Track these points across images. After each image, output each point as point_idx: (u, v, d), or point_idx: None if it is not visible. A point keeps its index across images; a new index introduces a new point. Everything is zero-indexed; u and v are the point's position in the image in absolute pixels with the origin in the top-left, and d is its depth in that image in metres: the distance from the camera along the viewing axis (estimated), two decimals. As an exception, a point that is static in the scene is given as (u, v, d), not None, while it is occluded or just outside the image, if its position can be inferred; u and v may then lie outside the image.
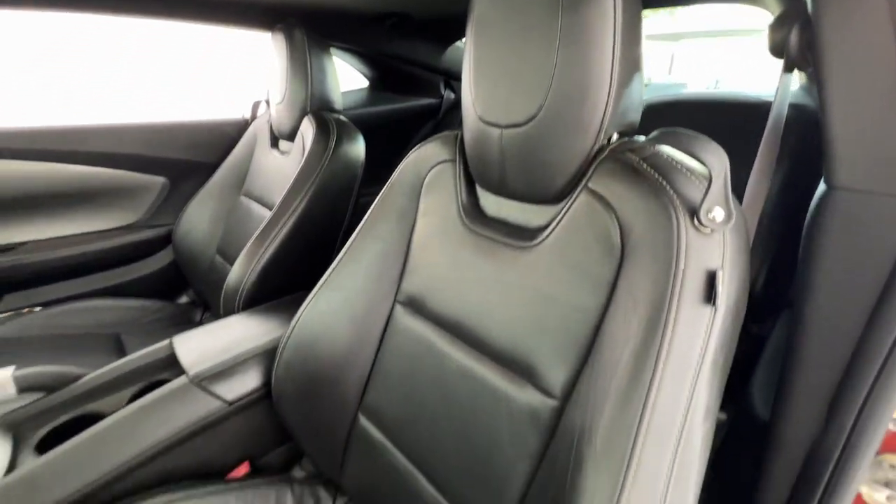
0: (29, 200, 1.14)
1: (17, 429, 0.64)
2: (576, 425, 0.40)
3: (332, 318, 0.66)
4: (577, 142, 0.44)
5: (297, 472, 0.73)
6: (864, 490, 0.47)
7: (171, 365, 0.72)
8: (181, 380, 0.67)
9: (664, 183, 0.39)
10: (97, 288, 1.22)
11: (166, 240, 1.32)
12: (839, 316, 0.44)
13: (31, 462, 0.58)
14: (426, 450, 0.55)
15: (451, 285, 0.57)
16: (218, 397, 0.67)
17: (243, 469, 0.71)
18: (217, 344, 0.74)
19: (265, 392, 0.71)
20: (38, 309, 1.13)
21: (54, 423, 0.66)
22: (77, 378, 0.71)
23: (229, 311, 0.91)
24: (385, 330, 0.64)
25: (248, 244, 0.93)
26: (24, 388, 0.67)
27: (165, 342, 0.76)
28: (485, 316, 0.52)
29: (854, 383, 0.42)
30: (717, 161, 0.37)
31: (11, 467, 0.59)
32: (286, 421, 0.69)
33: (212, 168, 1.28)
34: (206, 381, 0.68)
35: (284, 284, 0.91)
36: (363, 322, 0.64)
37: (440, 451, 0.54)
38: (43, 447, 0.62)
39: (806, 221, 0.47)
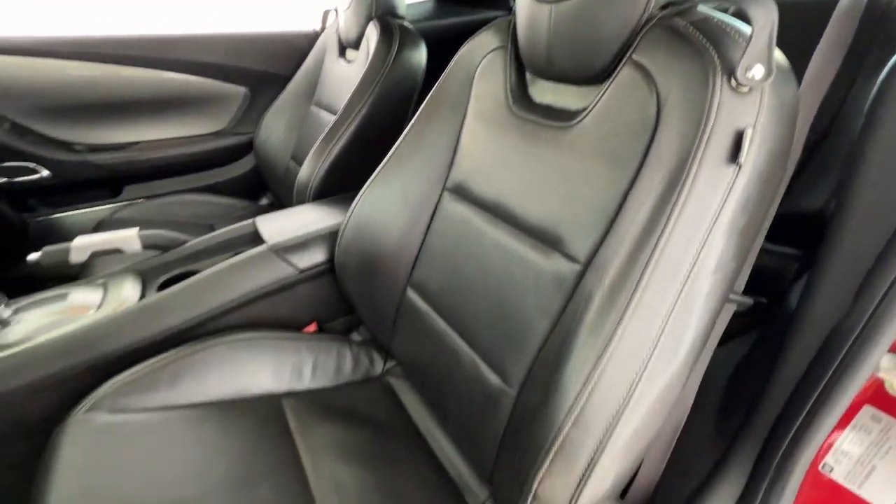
0: (137, 105, 1.31)
1: (145, 275, 0.81)
2: (593, 280, 0.45)
3: (386, 204, 0.74)
4: (625, 10, 0.44)
5: (355, 336, 0.86)
6: (886, 378, 0.48)
7: (254, 240, 0.84)
8: (262, 248, 0.80)
9: (707, 45, 0.39)
10: (195, 186, 1.41)
11: (248, 147, 1.46)
12: (882, 204, 0.43)
13: (153, 296, 0.74)
14: (463, 313, 0.63)
15: (495, 170, 0.61)
16: (291, 264, 0.79)
17: (312, 328, 0.85)
18: (291, 224, 0.86)
19: (330, 266, 0.82)
20: (140, 200, 1.34)
21: (168, 274, 0.82)
22: (184, 243, 0.87)
23: (301, 200, 1.03)
24: (433, 214, 0.70)
25: (316, 144, 1.02)
26: (147, 245, 0.83)
27: (249, 221, 0.89)
28: (522, 196, 0.56)
29: (884, 267, 0.41)
30: (762, 14, 0.36)
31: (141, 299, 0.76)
32: (346, 292, 0.80)
33: (286, 79, 1.37)
34: (281, 250, 0.80)
35: (348, 181, 1.00)
36: (414, 207, 0.71)
37: (475, 314, 0.61)
38: (160, 290, 0.78)
39: (869, 100, 0.44)
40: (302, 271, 0.80)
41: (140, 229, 0.83)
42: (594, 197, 0.48)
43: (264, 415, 0.64)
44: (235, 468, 0.55)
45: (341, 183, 1.00)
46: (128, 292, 0.75)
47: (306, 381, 0.74)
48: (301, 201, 1.03)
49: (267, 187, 1.49)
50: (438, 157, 0.69)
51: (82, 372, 0.64)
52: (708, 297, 0.39)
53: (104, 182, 1.33)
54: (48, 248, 0.77)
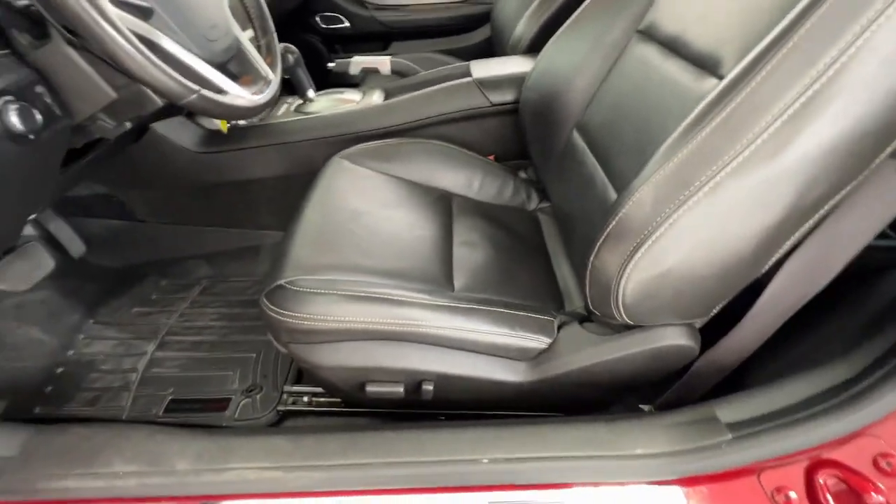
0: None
1: (388, 90, 1.09)
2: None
3: (576, 46, 0.79)
4: None
5: (521, 174, 0.99)
6: None
7: (466, 74, 1.02)
8: (467, 79, 0.97)
9: None
10: (440, 48, 1.67)
11: (486, 18, 1.61)
12: None
13: (387, 102, 1.01)
14: (609, 148, 0.68)
15: (683, 2, 0.59)
16: (486, 97, 0.95)
17: (491, 158, 1.02)
18: (497, 67, 1.00)
19: (517, 107, 0.94)
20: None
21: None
22: (418, 72, 1.12)
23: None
24: (619, 57, 0.72)
25: (536, 2, 1.08)
26: (394, 70, 1.11)
27: (466, 63, 1.06)
28: (699, 24, 0.55)
29: None
30: None
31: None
32: (523, 129, 0.92)
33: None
34: (480, 84, 0.95)
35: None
36: (603, 49, 0.74)
37: (620, 145, 0.65)
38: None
39: None
40: (493, 105, 0.95)
41: (392, 57, 1.10)
42: (760, 19, 0.45)
43: (438, 201, 0.86)
44: (413, 217, 0.79)
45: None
46: (375, 98, 1.05)
47: (472, 192, 0.92)
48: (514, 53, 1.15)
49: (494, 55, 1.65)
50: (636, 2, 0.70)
51: (344, 140, 0.96)
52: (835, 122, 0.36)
53: (380, 36, 1.71)
54: (339, 60, 1.11)
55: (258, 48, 0.73)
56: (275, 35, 0.76)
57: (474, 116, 0.97)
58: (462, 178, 0.92)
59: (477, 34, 1.66)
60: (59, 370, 0.87)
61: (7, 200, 0.50)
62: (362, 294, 0.57)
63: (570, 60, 0.79)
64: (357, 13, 1.64)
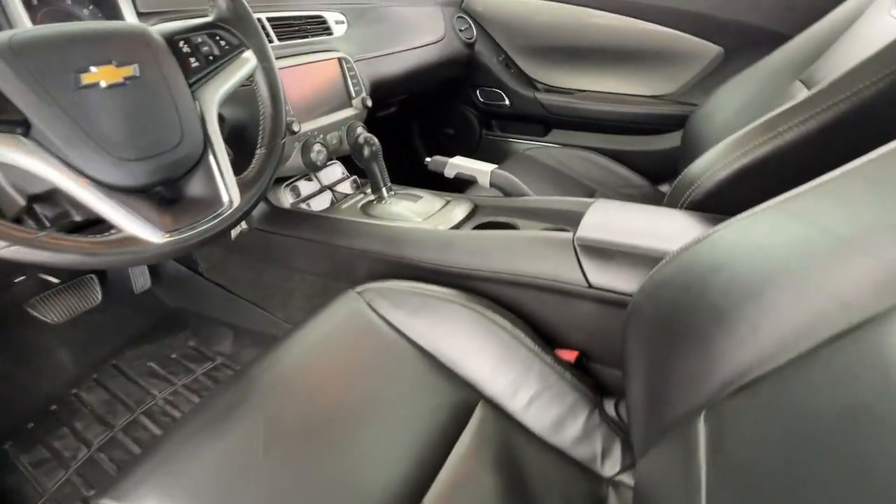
0: (599, 52, 1.29)
1: (476, 207, 0.83)
2: None
3: (763, 251, 0.39)
4: None
5: (609, 408, 0.60)
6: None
7: (579, 221, 0.68)
8: (566, 234, 0.63)
9: None
10: (605, 147, 1.32)
11: (683, 121, 1.20)
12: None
13: (457, 231, 0.74)
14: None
15: None
16: (583, 271, 0.60)
17: (571, 356, 0.65)
18: (625, 222, 0.64)
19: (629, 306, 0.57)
20: (555, 145, 1.37)
21: (489, 217, 0.81)
22: (523, 194, 0.82)
23: (672, 202, 0.75)
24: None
25: (743, 131, 0.67)
26: (493, 183, 0.84)
27: (591, 200, 0.73)
28: None
29: None
30: None
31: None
32: (627, 346, 0.54)
33: (781, 40, 0.96)
34: (583, 249, 0.61)
35: (753, 199, 0.63)
36: (809, 272, 0.34)
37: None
38: (476, 227, 0.78)
39: None
40: (591, 286, 0.59)
41: (496, 168, 0.84)
42: None
43: (454, 402, 0.56)
44: (402, 417, 0.51)
45: (742, 198, 0.64)
46: (455, 214, 0.79)
47: (514, 405, 0.58)
48: (674, 199, 0.75)
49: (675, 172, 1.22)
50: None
51: (389, 262, 0.74)
52: None
53: (541, 120, 1.46)
54: (437, 158, 0.90)
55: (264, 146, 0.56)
56: (280, 140, 0.58)
57: (560, 292, 0.63)
58: (507, 378, 0.59)
59: (659, 140, 1.26)
60: (52, 407, 0.86)
61: None
62: None
63: (739, 270, 0.40)
64: (521, 93, 1.43)
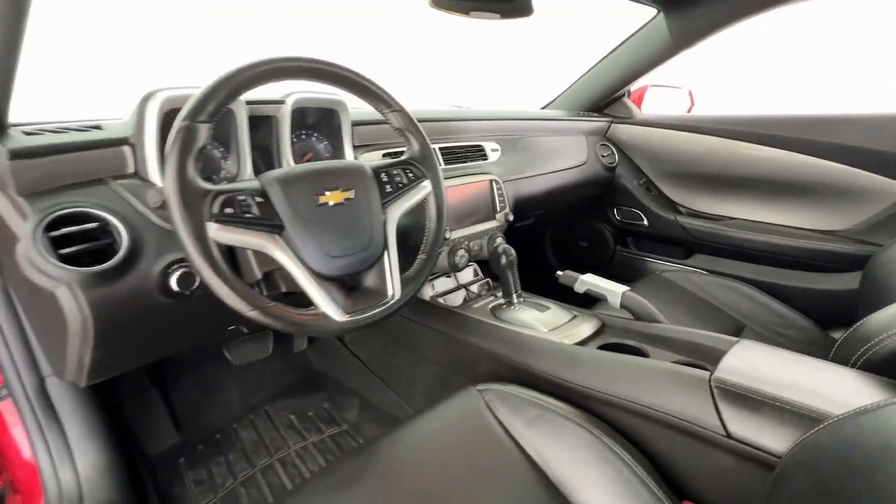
0: (750, 182, 1.24)
1: (604, 326, 0.84)
2: None
3: None
4: None
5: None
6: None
7: (719, 357, 0.65)
8: (702, 373, 0.60)
9: None
10: (757, 279, 1.21)
11: (862, 262, 1.05)
12: None
13: (578, 349, 0.76)
14: None
15: None
16: (720, 416, 0.55)
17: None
18: (774, 370, 0.58)
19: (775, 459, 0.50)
20: (696, 271, 1.30)
21: (616, 339, 0.80)
22: (654, 321, 0.81)
23: (843, 355, 0.66)
24: None
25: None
26: (623, 304, 0.84)
27: (736, 340, 0.68)
28: None
29: None
30: None
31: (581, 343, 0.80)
32: None
33: None
34: (721, 393, 0.57)
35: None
36: None
37: None
38: (600, 347, 0.78)
39: None
40: (729, 435, 0.54)
41: (628, 290, 0.84)
42: None
43: None
44: None
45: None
46: (582, 330, 0.81)
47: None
48: (842, 355, 0.65)
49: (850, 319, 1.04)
50: None
51: (509, 366, 0.78)
52: None
53: (682, 243, 1.42)
54: (568, 272, 0.95)
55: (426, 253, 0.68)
56: (438, 249, 0.69)
57: (689, 433, 0.58)
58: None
59: (831, 279, 1.11)
60: (217, 436, 1.04)
61: (141, 337, 0.63)
62: None
63: None
64: (661, 216, 1.42)
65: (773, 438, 0.51)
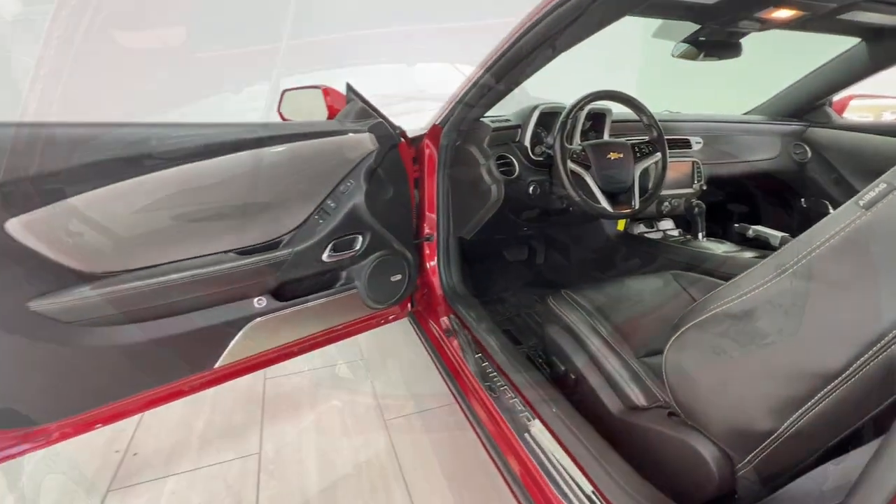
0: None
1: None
2: None
3: None
4: None
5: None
6: None
7: None
8: None
9: None
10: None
11: None
12: None
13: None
14: None
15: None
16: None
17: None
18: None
19: None
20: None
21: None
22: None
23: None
24: None
25: None
26: (780, 244, 1.30)
27: None
28: None
29: None
30: None
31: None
32: None
33: None
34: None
35: None
36: None
37: None
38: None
39: None
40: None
41: (786, 235, 1.29)
42: None
43: None
44: None
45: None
46: (746, 254, 1.30)
47: None
48: None
49: None
50: None
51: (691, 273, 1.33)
52: None
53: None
54: (742, 224, 1.42)
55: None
56: (659, 191, 1.28)
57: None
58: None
59: None
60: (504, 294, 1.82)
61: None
62: None
63: None
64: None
65: None
